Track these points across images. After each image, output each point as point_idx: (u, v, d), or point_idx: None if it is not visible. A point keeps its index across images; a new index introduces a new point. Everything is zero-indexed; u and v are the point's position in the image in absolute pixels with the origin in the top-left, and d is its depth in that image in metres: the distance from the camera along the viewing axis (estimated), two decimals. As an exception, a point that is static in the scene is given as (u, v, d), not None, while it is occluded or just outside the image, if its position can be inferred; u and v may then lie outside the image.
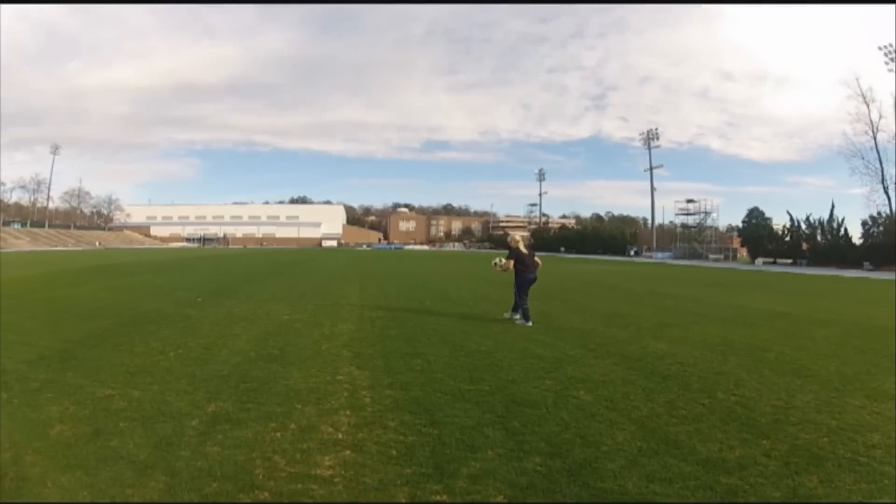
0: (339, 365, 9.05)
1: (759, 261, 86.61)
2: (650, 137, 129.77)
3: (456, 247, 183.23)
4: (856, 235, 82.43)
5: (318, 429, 5.90)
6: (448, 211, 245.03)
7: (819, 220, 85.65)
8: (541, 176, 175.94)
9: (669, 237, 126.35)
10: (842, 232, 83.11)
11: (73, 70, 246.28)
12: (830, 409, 7.18)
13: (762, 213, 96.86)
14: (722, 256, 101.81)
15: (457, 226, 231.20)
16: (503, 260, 14.61)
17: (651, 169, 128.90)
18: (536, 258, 14.70)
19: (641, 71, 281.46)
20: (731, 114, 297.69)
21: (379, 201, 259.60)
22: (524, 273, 14.26)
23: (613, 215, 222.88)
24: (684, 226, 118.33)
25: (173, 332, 11.90)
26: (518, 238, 14.89)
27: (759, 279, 41.39)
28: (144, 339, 10.85)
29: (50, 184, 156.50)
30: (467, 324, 13.89)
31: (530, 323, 13.82)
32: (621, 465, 5.18)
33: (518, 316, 14.26)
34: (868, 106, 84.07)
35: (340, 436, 5.71)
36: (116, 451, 5.18)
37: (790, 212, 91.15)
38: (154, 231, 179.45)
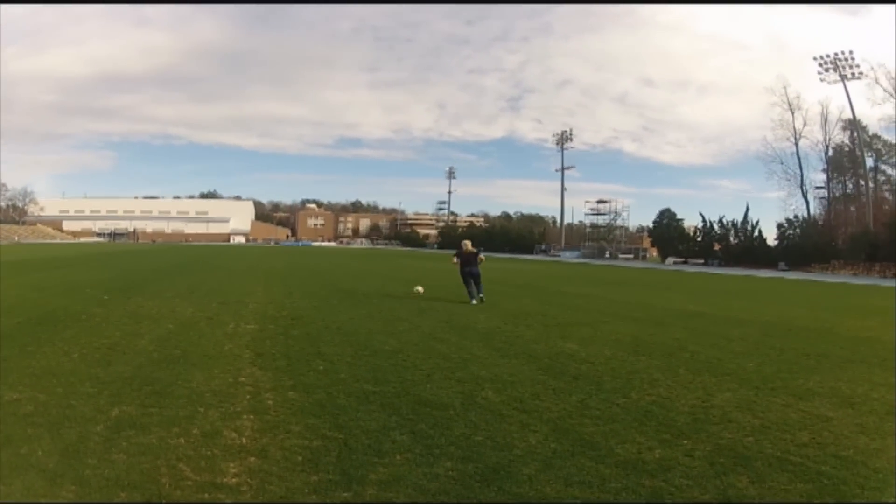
0: (241, 366, 8.92)
1: (670, 260, 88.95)
2: (563, 139, 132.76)
3: (363, 244, 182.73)
4: (770, 237, 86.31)
5: (221, 434, 5.75)
6: (357, 208, 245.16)
7: (732, 222, 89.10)
8: (451, 174, 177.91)
9: (578, 236, 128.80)
10: (756, 234, 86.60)
11: (9, 56, 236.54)
12: (752, 408, 7.15)
13: (674, 215, 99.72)
14: (632, 256, 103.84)
15: (365, 223, 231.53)
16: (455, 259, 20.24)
17: (563, 169, 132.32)
18: (481, 256, 20.36)
19: (562, 75, 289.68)
20: (647, 118, 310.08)
21: (288, 197, 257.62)
22: (463, 266, 19.61)
23: (522, 214, 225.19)
24: (594, 225, 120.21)
25: (78, 331, 11.63)
26: (467, 243, 20.46)
27: (670, 279, 42.67)
28: (50, 339, 10.59)
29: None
30: (372, 322, 13.94)
31: (474, 301, 18.75)
32: (536, 469, 5.04)
33: (481, 297, 19.11)
34: (793, 113, 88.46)
35: (244, 441, 5.58)
36: (27, 460, 4.99)
37: (702, 213, 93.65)
38: (66, 225, 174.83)
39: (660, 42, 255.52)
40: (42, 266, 35.45)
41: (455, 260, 20.14)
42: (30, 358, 9.01)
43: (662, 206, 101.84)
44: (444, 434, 5.94)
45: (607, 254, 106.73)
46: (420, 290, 21.86)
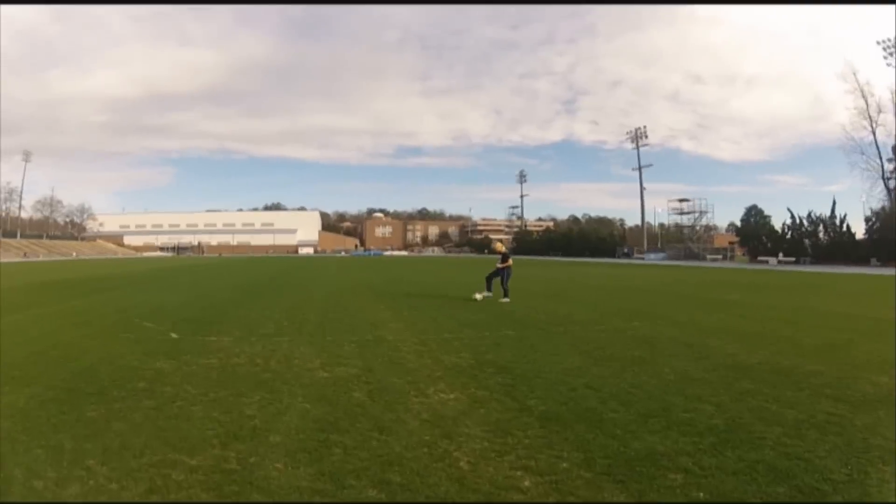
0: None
1: (774, 260, 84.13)
2: (638, 136, 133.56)
3: (435, 252, 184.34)
4: (857, 232, 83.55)
5: None
6: (423, 216, 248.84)
7: (820, 217, 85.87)
8: (521, 178, 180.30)
9: (651, 237, 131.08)
10: (844, 228, 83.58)
11: (53, 78, 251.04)
12: None
13: (761, 212, 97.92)
14: (720, 256, 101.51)
15: (433, 230, 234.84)
16: (510, 259, 22.02)
17: (640, 168, 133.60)
18: (509, 258, 22.16)
19: (612, 75, 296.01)
20: (701, 115, 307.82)
21: (353, 207, 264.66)
22: (503, 268, 21.49)
23: (591, 217, 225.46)
24: (663, 226, 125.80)
25: (135, 424, 6.22)
26: (502, 246, 23.70)
27: (795, 280, 38.32)
28: (80, 448, 5.43)
29: (21, 192, 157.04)
30: (611, 370, 9.15)
31: (507, 297, 20.42)
32: None
33: (486, 294, 21.28)
34: (866, 100, 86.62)
35: None
36: None
37: (790, 209, 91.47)
38: (127, 240, 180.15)
39: (698, 36, 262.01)
40: (93, 287, 29.33)
41: (510, 261, 21.93)
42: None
43: (724, 204, 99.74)
44: None
45: (701, 255, 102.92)
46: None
